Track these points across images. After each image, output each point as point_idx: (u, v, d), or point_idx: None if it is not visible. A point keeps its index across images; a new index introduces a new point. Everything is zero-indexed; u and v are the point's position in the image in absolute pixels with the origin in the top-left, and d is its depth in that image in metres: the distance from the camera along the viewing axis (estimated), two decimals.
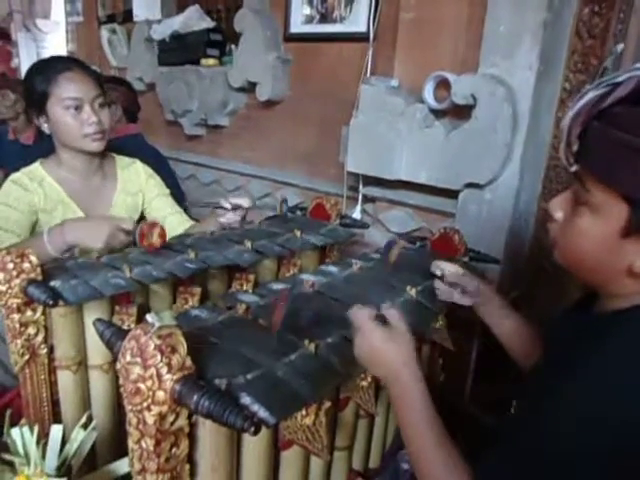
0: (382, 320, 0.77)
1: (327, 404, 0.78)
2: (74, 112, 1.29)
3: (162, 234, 1.16)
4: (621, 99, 0.57)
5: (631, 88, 0.56)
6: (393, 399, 0.75)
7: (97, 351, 0.98)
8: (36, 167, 1.37)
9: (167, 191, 1.59)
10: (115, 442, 1.01)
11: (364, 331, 0.75)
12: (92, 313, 0.96)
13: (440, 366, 1.30)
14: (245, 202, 1.36)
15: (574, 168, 0.63)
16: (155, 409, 0.59)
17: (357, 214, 1.81)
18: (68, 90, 1.28)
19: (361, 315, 0.76)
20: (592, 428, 0.56)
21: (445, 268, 1.05)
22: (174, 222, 1.49)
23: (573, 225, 0.66)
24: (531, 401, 0.67)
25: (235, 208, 1.35)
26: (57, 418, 1.00)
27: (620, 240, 0.60)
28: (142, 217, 1.57)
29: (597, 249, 0.63)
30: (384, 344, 0.74)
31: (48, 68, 1.31)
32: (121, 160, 1.52)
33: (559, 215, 0.69)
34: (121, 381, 0.61)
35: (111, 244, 1.12)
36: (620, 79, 0.57)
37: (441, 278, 1.05)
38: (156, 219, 1.49)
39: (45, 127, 1.33)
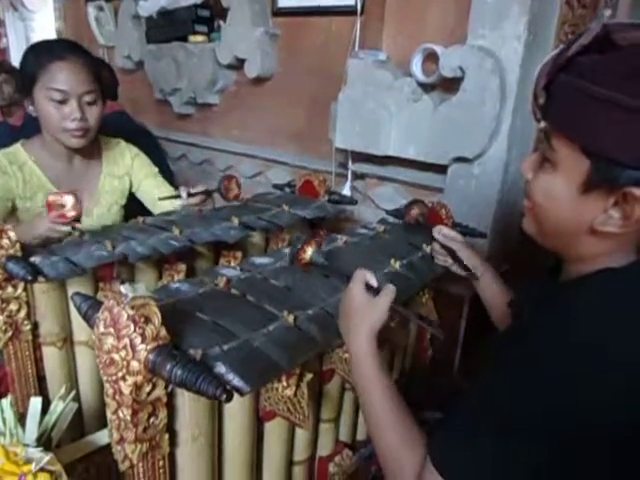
0: (375, 291, 0.78)
1: (309, 376, 0.78)
2: (57, 104, 1.23)
3: (75, 207, 1.10)
4: (584, 47, 0.55)
5: (592, 36, 0.55)
6: (352, 366, 0.77)
7: (82, 327, 0.98)
8: (17, 148, 1.32)
9: (155, 170, 1.55)
10: (102, 416, 1.01)
11: (351, 288, 0.78)
12: (75, 289, 0.95)
13: (428, 340, 1.31)
14: (200, 188, 1.35)
15: (542, 125, 0.62)
16: (130, 379, 0.59)
17: (347, 191, 1.79)
18: (55, 80, 1.22)
19: (360, 275, 0.79)
20: (538, 393, 0.56)
21: (446, 232, 1.09)
22: (166, 202, 1.44)
23: (537, 184, 0.65)
24: (483, 371, 0.66)
25: (192, 195, 1.33)
26: (44, 394, 1.01)
27: (580, 196, 0.59)
28: (134, 198, 1.55)
29: (559, 208, 0.62)
30: (358, 307, 0.76)
31: (43, 51, 1.25)
32: (106, 141, 1.48)
33: (529, 176, 0.68)
34: (96, 352, 0.61)
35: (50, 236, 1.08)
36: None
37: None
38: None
39: (31, 109, 1.28)
